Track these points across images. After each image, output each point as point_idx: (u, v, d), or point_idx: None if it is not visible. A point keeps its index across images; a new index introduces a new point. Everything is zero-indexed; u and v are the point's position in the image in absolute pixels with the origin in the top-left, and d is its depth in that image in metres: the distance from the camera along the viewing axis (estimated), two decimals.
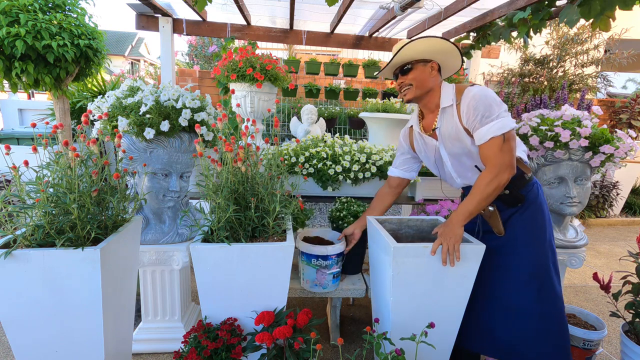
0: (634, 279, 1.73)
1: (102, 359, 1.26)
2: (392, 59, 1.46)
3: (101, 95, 1.76)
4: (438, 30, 3.49)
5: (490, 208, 1.50)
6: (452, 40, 3.58)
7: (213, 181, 1.44)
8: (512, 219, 1.50)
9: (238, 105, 1.88)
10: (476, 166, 1.48)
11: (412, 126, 1.68)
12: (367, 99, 3.51)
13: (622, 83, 7.60)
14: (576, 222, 2.22)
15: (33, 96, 6.87)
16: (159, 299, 1.88)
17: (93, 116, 1.65)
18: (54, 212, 1.20)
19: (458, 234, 1.38)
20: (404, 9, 2.68)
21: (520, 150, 1.53)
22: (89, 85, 3.85)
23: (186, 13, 3.18)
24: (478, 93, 1.37)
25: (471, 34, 3.21)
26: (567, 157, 1.82)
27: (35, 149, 1.19)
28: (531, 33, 2.44)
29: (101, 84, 3.92)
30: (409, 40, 1.43)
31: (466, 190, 1.61)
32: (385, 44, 3.66)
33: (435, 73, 1.49)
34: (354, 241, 1.83)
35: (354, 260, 2.06)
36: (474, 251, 1.41)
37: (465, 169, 1.53)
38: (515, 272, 1.49)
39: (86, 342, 1.24)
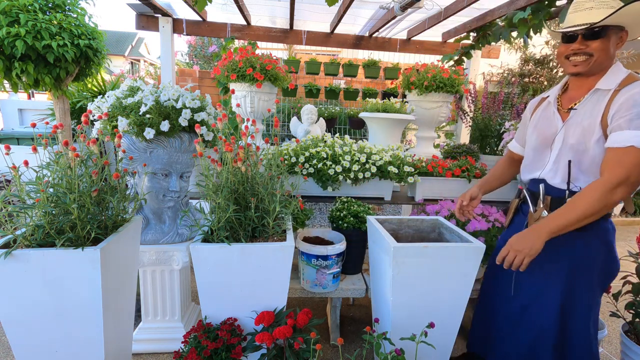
0: (634, 279, 1.73)
1: (102, 358, 1.27)
2: (614, 11, 1.11)
3: (101, 95, 1.76)
4: (438, 30, 3.49)
5: (545, 213, 1.31)
6: (452, 40, 3.59)
7: (213, 181, 1.44)
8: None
9: (238, 105, 1.88)
10: (569, 161, 1.27)
11: (543, 98, 1.48)
12: (367, 99, 3.51)
13: None
14: None
15: (33, 96, 6.87)
16: (159, 299, 1.88)
17: (93, 116, 1.65)
18: (54, 212, 1.20)
19: (536, 248, 1.15)
20: (404, 9, 2.67)
21: None
22: (89, 85, 3.85)
23: (186, 13, 3.19)
24: None
25: (471, 34, 3.21)
26: None
27: (35, 149, 1.18)
28: (531, 33, 2.44)
29: (101, 84, 3.92)
30: None
31: (531, 184, 1.43)
32: (385, 44, 3.66)
33: (620, 47, 1.22)
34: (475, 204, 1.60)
35: (354, 260, 2.06)
36: (474, 251, 1.41)
37: (560, 164, 1.31)
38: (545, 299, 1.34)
39: (86, 342, 1.24)
